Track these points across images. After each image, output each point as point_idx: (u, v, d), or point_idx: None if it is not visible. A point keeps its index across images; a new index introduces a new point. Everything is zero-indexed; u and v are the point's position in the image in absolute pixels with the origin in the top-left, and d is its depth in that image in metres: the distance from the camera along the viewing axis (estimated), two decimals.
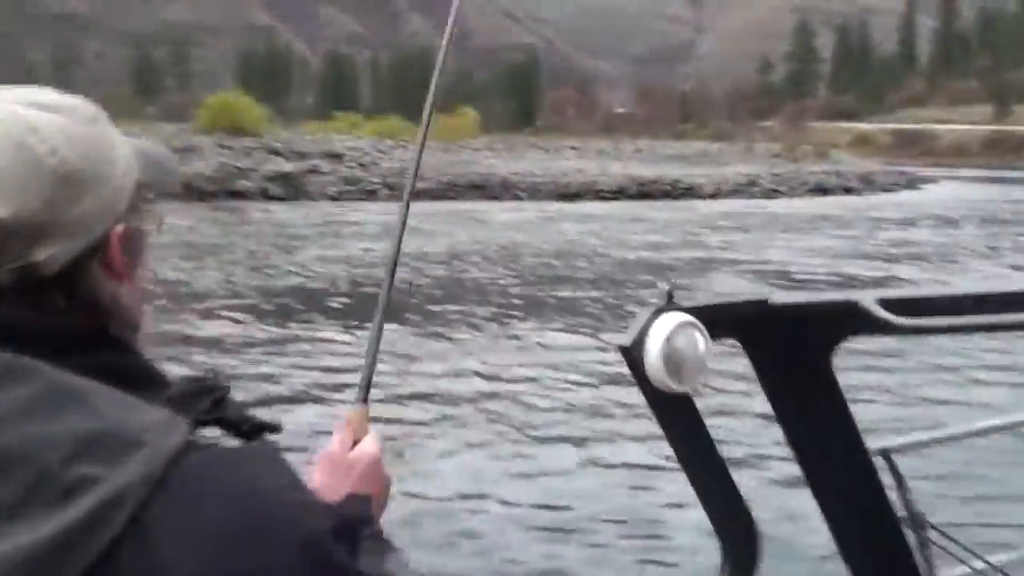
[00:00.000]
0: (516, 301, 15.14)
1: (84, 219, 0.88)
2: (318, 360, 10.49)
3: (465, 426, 8.30)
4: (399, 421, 7.98)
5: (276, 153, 38.88)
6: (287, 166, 37.17)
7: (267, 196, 34.32)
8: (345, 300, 14.87)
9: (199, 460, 0.81)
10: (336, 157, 39.98)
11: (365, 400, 1.31)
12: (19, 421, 0.77)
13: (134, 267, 0.94)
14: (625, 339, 1.31)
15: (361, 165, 39.43)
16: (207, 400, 0.91)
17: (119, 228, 0.91)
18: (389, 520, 1.19)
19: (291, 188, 35.47)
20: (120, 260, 0.91)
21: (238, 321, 12.77)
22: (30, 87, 0.93)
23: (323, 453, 1.24)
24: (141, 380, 0.88)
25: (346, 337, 11.66)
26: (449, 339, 11.76)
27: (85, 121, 0.92)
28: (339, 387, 8.98)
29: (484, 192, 38.28)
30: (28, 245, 0.85)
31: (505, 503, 6.49)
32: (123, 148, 0.94)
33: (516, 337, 12.10)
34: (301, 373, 9.91)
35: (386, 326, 1.37)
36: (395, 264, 1.38)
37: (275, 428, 0.96)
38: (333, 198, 35.21)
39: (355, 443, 1.24)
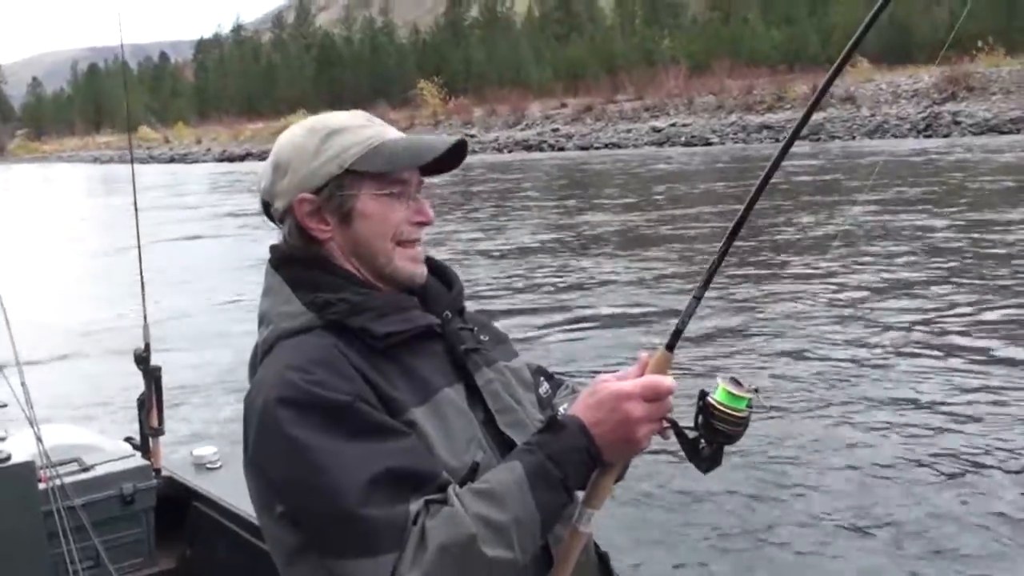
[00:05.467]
0: None
1: (285, 189, 1.58)
2: None
3: None
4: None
5: None
6: None
7: None
8: None
9: (289, 340, 1.51)
10: None
11: (669, 347, 1.49)
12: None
13: (337, 222, 1.57)
14: None
15: None
16: (333, 309, 1.52)
17: (300, 195, 1.56)
18: None
19: None
20: (302, 213, 1.57)
21: None
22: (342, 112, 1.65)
23: (602, 378, 1.51)
24: (309, 286, 1.54)
25: None
26: None
27: (308, 132, 1.58)
28: None
29: None
30: (270, 202, 1.61)
31: None
32: (336, 148, 1.55)
33: None
34: None
35: None
36: (730, 241, 1.49)
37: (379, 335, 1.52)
38: None
39: None
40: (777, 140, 42.23)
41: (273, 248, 1.61)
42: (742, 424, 1.45)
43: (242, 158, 58.20)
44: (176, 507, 3.50)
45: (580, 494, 1.49)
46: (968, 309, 9.76)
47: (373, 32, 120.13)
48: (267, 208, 1.61)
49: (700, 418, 1.46)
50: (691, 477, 5.53)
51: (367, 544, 1.32)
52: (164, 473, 3.57)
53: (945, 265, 12.17)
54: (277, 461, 1.39)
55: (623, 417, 1.42)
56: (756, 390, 1.46)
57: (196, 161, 61.71)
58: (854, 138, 40.66)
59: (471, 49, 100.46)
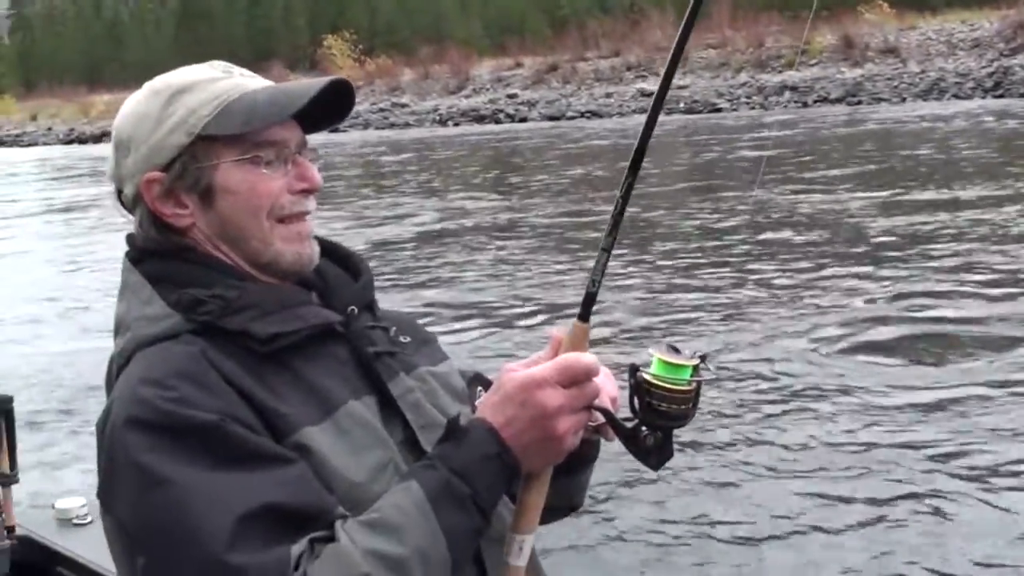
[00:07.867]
0: None
1: (131, 170, 1.32)
2: None
3: None
4: None
5: None
6: None
7: None
8: None
9: (148, 350, 1.24)
10: None
11: (582, 318, 1.24)
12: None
13: (197, 203, 1.29)
14: None
15: None
16: (203, 309, 1.24)
17: (147, 175, 1.29)
18: None
19: None
20: (151, 196, 1.29)
21: None
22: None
23: (508, 367, 1.26)
24: (174, 282, 1.27)
25: None
26: None
27: (149, 96, 1.30)
28: None
29: None
30: (121, 188, 1.35)
31: None
32: (183, 111, 1.26)
33: None
34: None
35: None
36: (631, 179, 1.23)
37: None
38: None
39: None
40: (805, 105, 35.00)
41: (129, 238, 1.35)
42: (689, 400, 1.20)
43: (97, 138, 45.39)
44: (36, 573, 3.03)
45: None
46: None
47: None
48: (120, 195, 1.36)
49: (636, 400, 1.21)
50: (643, 478, 4.67)
51: None
52: (19, 532, 3.09)
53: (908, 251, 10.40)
54: (128, 499, 1.15)
55: (538, 410, 1.18)
56: (703, 357, 1.21)
57: (33, 143, 49.69)
58: (903, 100, 33.26)
59: None
